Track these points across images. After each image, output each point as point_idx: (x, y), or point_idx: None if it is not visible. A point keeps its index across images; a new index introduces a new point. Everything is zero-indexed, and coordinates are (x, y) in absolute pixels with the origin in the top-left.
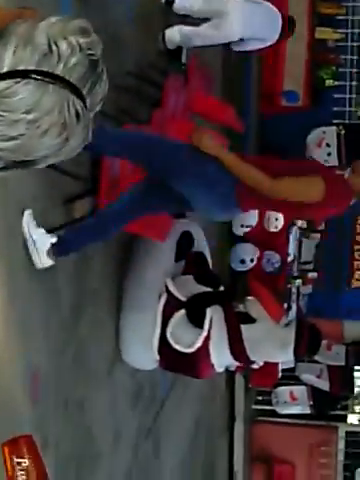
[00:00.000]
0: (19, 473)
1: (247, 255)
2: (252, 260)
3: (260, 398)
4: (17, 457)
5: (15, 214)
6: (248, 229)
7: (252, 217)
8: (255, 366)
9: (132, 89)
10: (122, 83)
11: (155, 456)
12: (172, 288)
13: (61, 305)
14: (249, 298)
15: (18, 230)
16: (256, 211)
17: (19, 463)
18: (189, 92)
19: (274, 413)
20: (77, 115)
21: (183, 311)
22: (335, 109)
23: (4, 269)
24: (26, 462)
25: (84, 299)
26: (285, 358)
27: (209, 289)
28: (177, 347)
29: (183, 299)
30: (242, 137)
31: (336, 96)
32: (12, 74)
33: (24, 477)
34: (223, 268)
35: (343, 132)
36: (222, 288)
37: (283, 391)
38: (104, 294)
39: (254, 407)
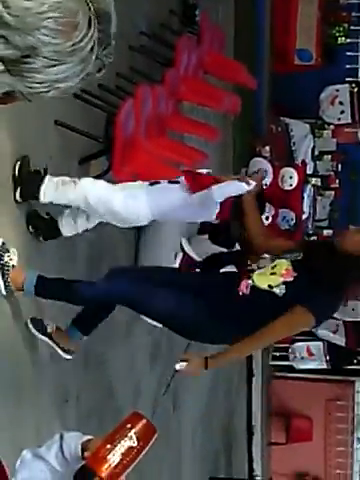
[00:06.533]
0: None
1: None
2: (267, 218)
3: (277, 354)
4: None
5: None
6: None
7: (266, 176)
8: None
9: (145, 49)
10: (135, 43)
11: (174, 411)
12: (187, 248)
13: (77, 258)
14: (264, 256)
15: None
16: (270, 169)
17: None
18: (201, 51)
19: (291, 368)
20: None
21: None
22: (347, 67)
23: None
24: None
25: (101, 252)
26: None
27: (223, 249)
28: None
29: (198, 259)
30: (254, 95)
31: (349, 54)
32: None
33: None
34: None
35: (356, 90)
36: (237, 247)
37: (300, 347)
38: (121, 248)
39: (271, 363)
